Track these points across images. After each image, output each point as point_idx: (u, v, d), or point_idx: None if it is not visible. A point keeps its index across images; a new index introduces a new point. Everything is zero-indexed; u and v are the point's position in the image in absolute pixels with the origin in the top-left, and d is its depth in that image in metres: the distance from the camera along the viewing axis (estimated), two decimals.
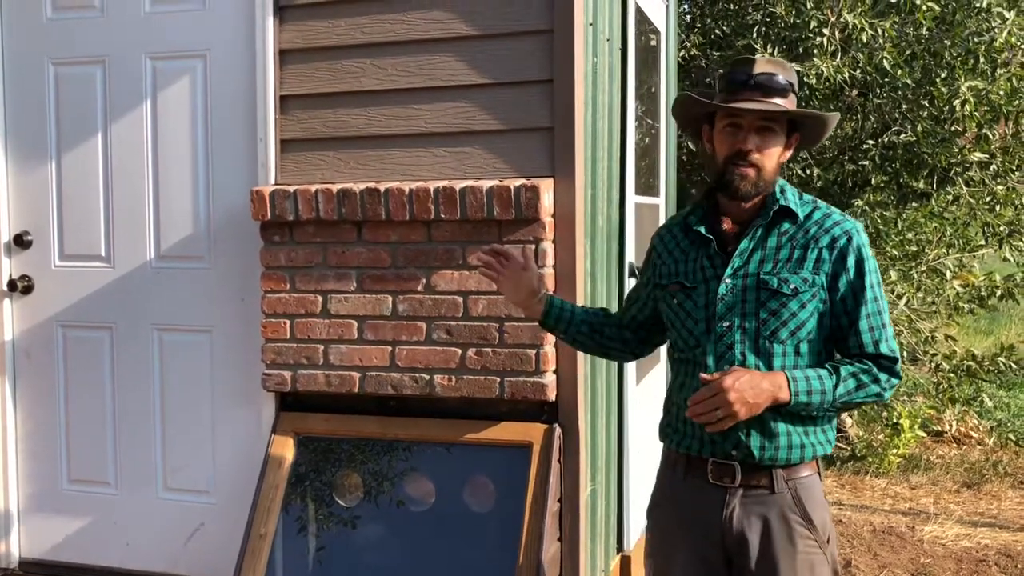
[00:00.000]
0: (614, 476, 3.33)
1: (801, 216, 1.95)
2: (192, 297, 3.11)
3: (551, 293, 2.55)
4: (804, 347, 1.91)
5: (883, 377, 1.90)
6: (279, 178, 2.96)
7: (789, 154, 2.00)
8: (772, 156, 1.92)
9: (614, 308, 3.10)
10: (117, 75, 3.13)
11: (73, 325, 3.24)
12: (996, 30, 4.99)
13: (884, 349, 1.91)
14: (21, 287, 3.25)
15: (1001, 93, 4.94)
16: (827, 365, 1.91)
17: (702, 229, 2.00)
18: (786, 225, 1.95)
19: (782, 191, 1.97)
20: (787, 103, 1.92)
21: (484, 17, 2.75)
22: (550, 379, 2.72)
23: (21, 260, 3.27)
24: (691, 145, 6.06)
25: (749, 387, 1.80)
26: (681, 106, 2.07)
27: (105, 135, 3.16)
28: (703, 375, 1.85)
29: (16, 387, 3.30)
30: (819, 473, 1.98)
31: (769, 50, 5.28)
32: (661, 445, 2.12)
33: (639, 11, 3.64)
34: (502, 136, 2.77)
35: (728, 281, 1.93)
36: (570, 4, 2.67)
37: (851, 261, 1.91)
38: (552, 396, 2.73)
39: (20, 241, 3.25)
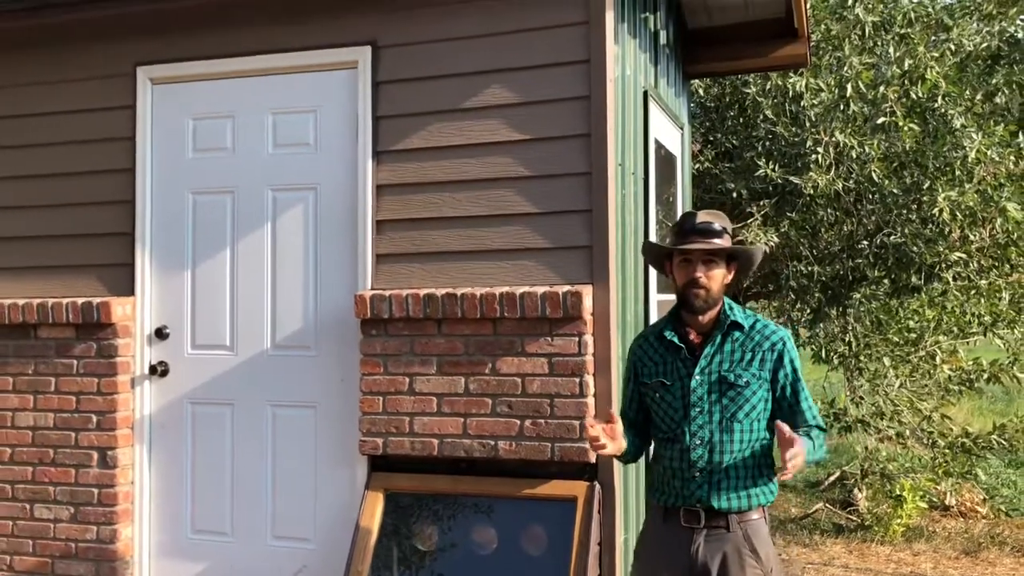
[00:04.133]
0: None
1: (747, 327, 2.68)
2: (300, 378, 3.86)
3: (590, 378, 3.29)
4: (755, 424, 2.63)
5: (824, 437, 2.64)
6: (374, 284, 3.74)
7: (731, 277, 2.72)
8: (716, 279, 2.65)
9: None
10: (244, 202, 3.96)
11: (201, 402, 3.99)
12: (968, 147, 5.76)
13: (819, 421, 2.66)
14: (160, 371, 4.02)
15: (971, 203, 5.67)
16: (801, 433, 2.60)
17: (675, 339, 2.72)
18: (736, 334, 2.68)
19: (731, 308, 2.70)
20: (723, 242, 2.66)
21: (538, 162, 3.55)
22: (587, 444, 3.42)
23: (160, 349, 4.05)
24: None
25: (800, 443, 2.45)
26: (647, 250, 2.84)
27: (233, 249, 3.97)
28: (786, 432, 2.41)
29: (152, 453, 4.05)
30: (765, 518, 2.68)
31: (771, 165, 6.07)
32: None
33: (658, 144, 4.45)
34: (551, 252, 3.55)
35: (698, 378, 2.66)
36: (604, 151, 3.48)
37: (786, 360, 2.64)
38: (593, 459, 3.43)
39: (160, 333, 4.03)
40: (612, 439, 2.61)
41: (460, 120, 3.65)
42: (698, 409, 2.64)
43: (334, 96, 3.82)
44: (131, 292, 4.04)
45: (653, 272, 4.23)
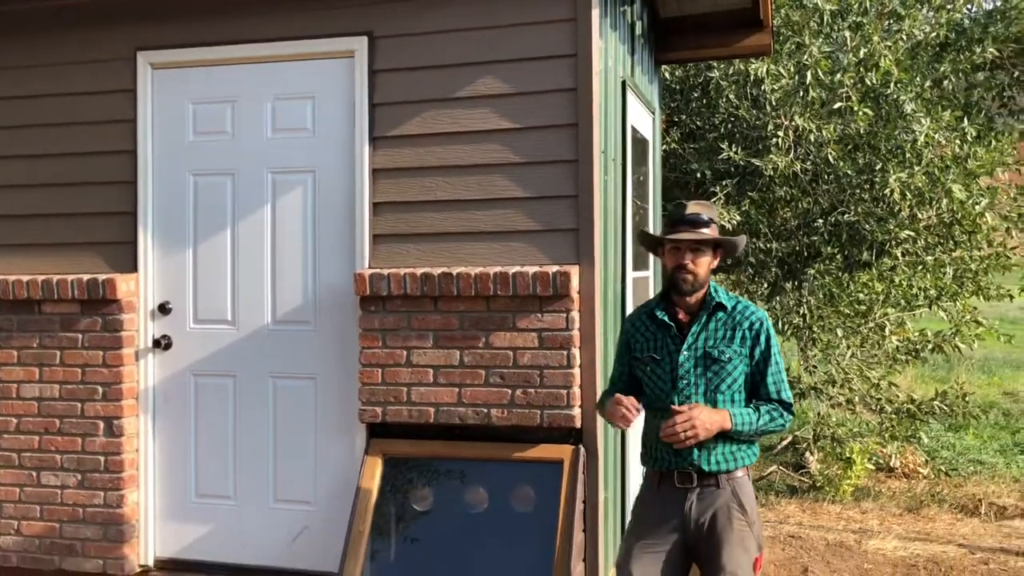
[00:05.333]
0: (619, 486, 4.33)
1: (729, 308, 2.99)
2: (300, 351, 4.09)
3: (576, 351, 3.59)
4: (736, 396, 2.94)
5: (785, 414, 2.95)
6: (371, 263, 3.97)
7: (716, 262, 3.03)
8: (703, 265, 2.96)
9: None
10: (244, 184, 4.15)
11: (203, 374, 4.20)
12: (917, 132, 6.14)
13: (784, 396, 2.97)
14: (163, 344, 4.22)
15: (920, 184, 6.06)
16: (751, 404, 2.94)
17: (665, 318, 3.02)
18: (720, 314, 2.99)
19: (716, 291, 3.01)
20: (711, 231, 2.97)
21: (528, 149, 3.80)
22: (577, 412, 3.72)
23: (163, 323, 4.24)
24: None
25: (707, 417, 2.82)
26: (640, 238, 3.14)
27: (233, 228, 4.16)
28: (674, 406, 2.85)
29: (156, 423, 4.25)
30: (748, 476, 3.01)
31: (733, 147, 6.39)
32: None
33: (633, 130, 4.72)
34: (540, 234, 3.81)
35: (685, 353, 2.96)
36: (590, 140, 3.74)
37: (762, 339, 2.95)
38: (578, 424, 3.73)
39: (163, 309, 4.22)
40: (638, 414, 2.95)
41: (453, 108, 3.88)
42: (685, 382, 2.94)
43: (332, 83, 4.02)
44: (134, 269, 4.22)
45: (629, 252, 4.52)
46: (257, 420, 4.14)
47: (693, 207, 2.98)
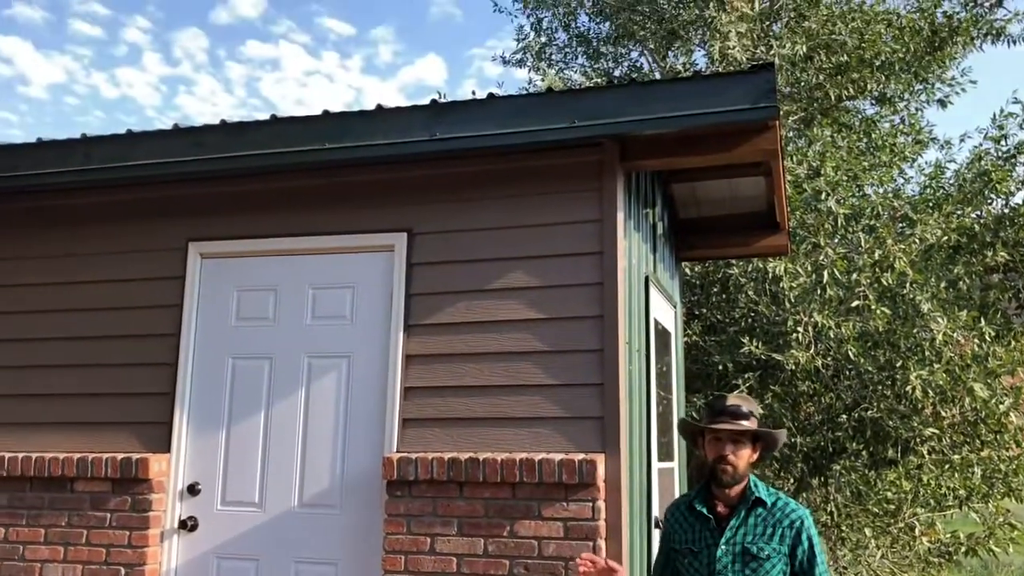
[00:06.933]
0: None
1: (769, 504, 2.99)
2: (325, 536, 4.09)
3: (603, 542, 3.56)
4: None
5: None
6: (399, 447, 4.04)
7: (756, 456, 3.06)
8: (743, 458, 2.99)
9: (643, 548, 4.07)
10: (281, 367, 4.30)
11: (227, 556, 4.18)
12: (935, 331, 6.27)
13: None
14: (189, 526, 4.23)
15: (941, 382, 6.12)
16: None
17: (704, 510, 3.03)
18: (760, 510, 2.98)
19: (755, 485, 3.01)
20: (750, 424, 3.01)
21: (555, 339, 3.95)
22: None
23: (191, 504, 4.27)
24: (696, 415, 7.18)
25: None
26: (682, 427, 3.20)
27: (267, 410, 4.28)
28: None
29: None
30: None
31: (754, 341, 6.54)
32: None
33: (656, 322, 4.89)
34: (566, 421, 3.89)
35: (723, 547, 2.95)
36: (615, 331, 3.89)
37: (803, 537, 2.91)
38: None
39: (192, 489, 4.27)
40: (600, 574, 2.97)
41: (485, 299, 4.08)
42: None
43: (371, 274, 4.25)
44: (167, 449, 4.31)
45: (654, 442, 4.56)
46: None
47: (734, 399, 3.04)
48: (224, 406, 4.34)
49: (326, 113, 4.17)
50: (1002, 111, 8.43)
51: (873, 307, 6.36)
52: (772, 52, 8.97)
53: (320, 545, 4.09)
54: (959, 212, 7.14)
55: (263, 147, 4.19)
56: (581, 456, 3.75)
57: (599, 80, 12.09)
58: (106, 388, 4.47)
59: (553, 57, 13.16)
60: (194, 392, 4.38)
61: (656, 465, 4.57)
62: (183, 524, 4.24)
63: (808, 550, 2.91)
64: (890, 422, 6.55)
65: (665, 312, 5.24)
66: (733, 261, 7.03)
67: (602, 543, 3.69)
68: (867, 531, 6.49)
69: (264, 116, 4.43)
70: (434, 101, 4.05)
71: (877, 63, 9.41)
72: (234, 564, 4.17)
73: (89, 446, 4.41)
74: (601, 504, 3.72)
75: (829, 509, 7.14)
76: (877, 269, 6.53)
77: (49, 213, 4.78)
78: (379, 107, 4.10)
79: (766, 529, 2.93)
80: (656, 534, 4.29)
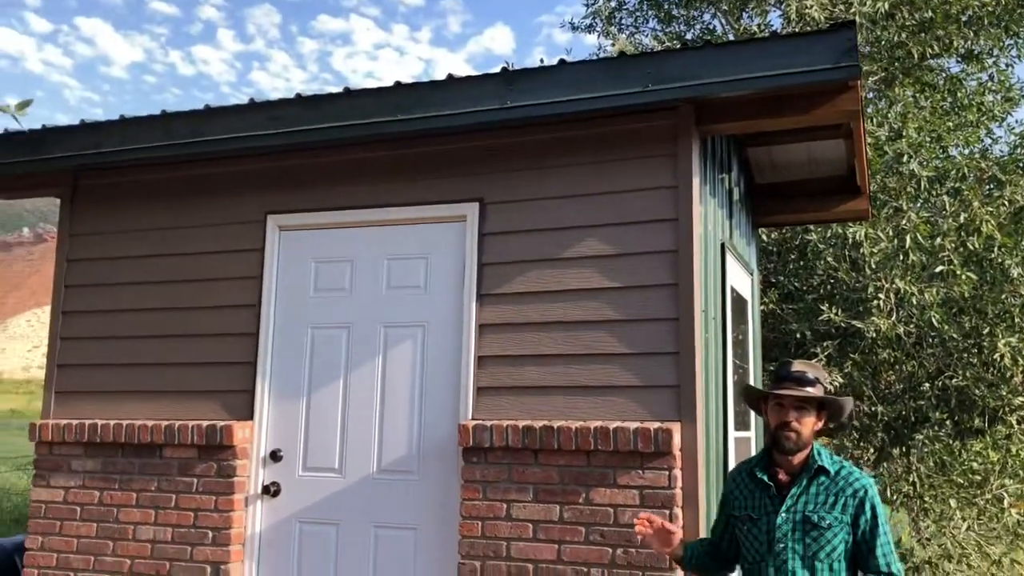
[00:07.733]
0: None
1: (832, 472, 2.91)
2: (403, 501, 4.16)
3: (679, 510, 3.55)
4: (836, 566, 2.82)
5: None
6: (474, 415, 4.07)
7: (821, 424, 2.98)
8: (807, 425, 2.92)
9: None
10: (358, 337, 4.37)
11: (309, 521, 4.30)
12: None
13: (895, 570, 2.82)
14: (272, 491, 4.35)
15: None
16: None
17: (764, 477, 2.99)
18: (822, 478, 2.91)
19: (819, 454, 2.94)
20: (815, 391, 2.94)
21: (629, 307, 3.92)
22: (679, 574, 3.64)
23: (273, 470, 4.40)
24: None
25: None
26: (745, 393, 3.15)
27: (346, 379, 4.36)
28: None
29: (260, 569, 4.33)
30: None
31: (833, 308, 6.38)
32: None
33: (732, 290, 4.81)
34: (640, 390, 3.87)
35: (783, 515, 2.90)
36: (691, 299, 3.84)
37: (867, 507, 2.84)
38: None
39: (275, 456, 4.39)
40: (657, 534, 3.13)
41: (558, 268, 4.06)
42: (782, 545, 2.87)
43: (444, 245, 4.28)
44: (250, 417, 4.43)
45: (731, 411, 4.51)
46: (357, 571, 4.18)
47: (799, 365, 2.99)
48: (304, 375, 4.44)
49: (398, 84, 4.18)
50: None
51: (958, 272, 6.15)
52: (852, 10, 8.67)
53: (399, 510, 4.17)
54: None
55: (338, 119, 4.24)
56: (657, 424, 3.73)
57: (671, 44, 11.88)
58: (191, 358, 4.61)
59: (623, 21, 12.95)
60: (275, 361, 4.48)
61: (732, 434, 4.52)
62: (266, 489, 4.36)
63: (871, 520, 2.84)
64: (976, 391, 6.36)
65: (741, 279, 5.16)
66: (811, 227, 6.86)
67: (679, 511, 3.67)
68: (951, 502, 6.33)
69: (337, 89, 4.48)
70: (505, 69, 4.03)
71: (964, 18, 9.02)
72: (316, 528, 4.29)
73: (176, 414, 4.56)
74: (678, 472, 3.70)
75: (911, 479, 6.98)
76: (962, 233, 6.30)
77: (131, 188, 4.92)
78: (450, 76, 4.10)
79: (828, 498, 2.88)
80: None
